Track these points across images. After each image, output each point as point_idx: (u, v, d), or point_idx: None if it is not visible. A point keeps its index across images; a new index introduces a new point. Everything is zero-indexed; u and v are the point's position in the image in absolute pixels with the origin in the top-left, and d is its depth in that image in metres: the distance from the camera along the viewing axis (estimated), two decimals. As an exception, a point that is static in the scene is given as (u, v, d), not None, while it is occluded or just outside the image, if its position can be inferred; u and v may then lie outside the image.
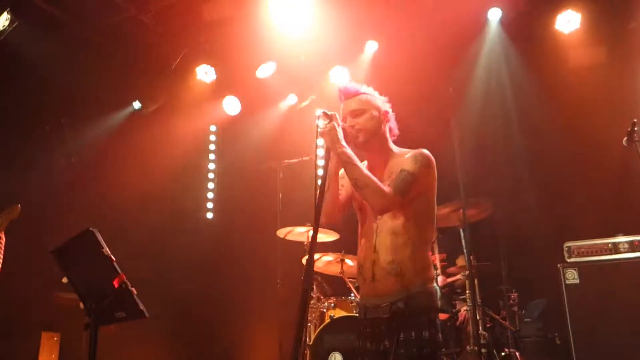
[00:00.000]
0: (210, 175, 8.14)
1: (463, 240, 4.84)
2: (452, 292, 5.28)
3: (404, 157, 2.71)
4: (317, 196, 2.45)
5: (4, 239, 3.82)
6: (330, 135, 2.59)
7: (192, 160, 7.85)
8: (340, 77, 6.79)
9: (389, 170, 2.74)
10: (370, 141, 2.76)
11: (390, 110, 2.87)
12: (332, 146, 2.59)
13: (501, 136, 6.24)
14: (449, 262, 5.50)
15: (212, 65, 7.16)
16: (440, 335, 2.60)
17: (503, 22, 6.24)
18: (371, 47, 6.64)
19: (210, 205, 8.05)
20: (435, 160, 2.71)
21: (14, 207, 3.57)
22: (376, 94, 2.90)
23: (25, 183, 6.06)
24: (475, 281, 4.76)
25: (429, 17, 5.99)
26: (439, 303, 2.71)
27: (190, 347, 7.19)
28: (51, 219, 6.28)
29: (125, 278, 2.79)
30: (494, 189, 5.78)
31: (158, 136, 7.25)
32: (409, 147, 2.80)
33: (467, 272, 4.73)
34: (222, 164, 8.16)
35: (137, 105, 7.53)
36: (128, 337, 6.04)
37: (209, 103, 7.54)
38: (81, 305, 3.04)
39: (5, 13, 5.86)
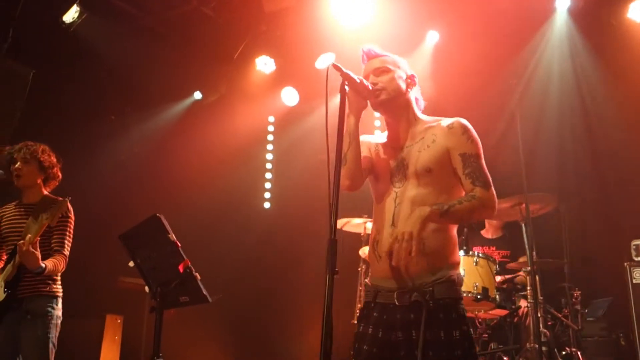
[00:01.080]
0: (268, 166, 8.23)
1: (525, 236, 4.72)
2: (512, 288, 5.16)
3: (440, 127, 2.46)
4: (335, 159, 2.18)
5: (73, 218, 3.91)
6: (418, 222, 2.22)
7: (250, 150, 7.95)
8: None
9: (415, 136, 2.51)
10: (392, 102, 2.52)
11: (416, 78, 2.65)
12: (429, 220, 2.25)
13: (567, 129, 6.03)
14: (511, 258, 5.38)
15: (271, 57, 7.22)
16: (471, 329, 2.32)
17: (572, 10, 6.01)
18: (432, 37, 6.53)
19: (267, 195, 8.14)
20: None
21: (63, 201, 3.62)
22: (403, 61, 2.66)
23: (92, 171, 6.29)
24: (537, 278, 4.64)
25: (493, 6, 5.84)
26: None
27: (243, 335, 7.31)
28: (116, 205, 6.49)
29: (189, 263, 2.85)
30: (558, 183, 5.62)
31: (218, 126, 7.38)
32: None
33: (529, 268, 4.61)
34: (279, 154, 8.22)
35: (198, 95, 7.69)
36: (184, 321, 6.19)
37: (268, 94, 7.61)
38: (146, 289, 3.10)
39: (75, 5, 6.08)
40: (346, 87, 2.37)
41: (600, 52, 6.03)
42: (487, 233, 5.72)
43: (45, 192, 3.96)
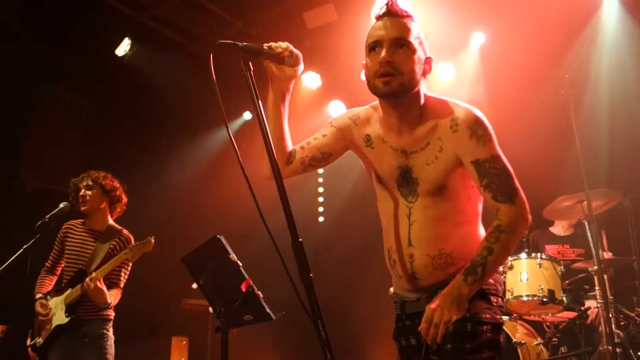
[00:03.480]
0: (320, 180, 8.26)
1: (589, 233, 4.57)
2: (579, 288, 4.99)
3: (445, 129, 2.06)
4: (266, 149, 1.87)
5: (130, 267, 4.03)
6: (452, 315, 1.94)
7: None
8: (446, 75, 6.66)
9: (420, 138, 2.10)
10: (403, 94, 2.03)
11: (433, 62, 2.15)
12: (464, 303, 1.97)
13: (627, 120, 5.80)
14: (587, 257, 5.21)
15: (317, 72, 7.28)
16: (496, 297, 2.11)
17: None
18: (478, 38, 6.45)
19: (321, 209, 8.17)
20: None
21: (148, 240, 3.74)
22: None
23: (149, 196, 6.45)
24: (605, 276, 4.47)
25: (537, 1, 5.73)
26: (501, 288, 2.18)
27: (306, 349, 7.32)
28: (174, 228, 6.64)
29: (251, 282, 2.88)
30: (622, 177, 5.42)
31: (269, 144, 7.46)
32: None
33: (595, 267, 4.45)
34: (330, 167, 8.23)
35: (247, 115, 7.82)
36: (248, 339, 6.26)
37: (316, 109, 7.66)
38: (210, 309, 3.16)
39: (126, 39, 6.32)
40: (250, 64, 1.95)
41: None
42: (559, 230, 5.55)
43: (111, 221, 4.11)
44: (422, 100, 2.13)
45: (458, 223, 2.13)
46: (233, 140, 1.91)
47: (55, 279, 4.10)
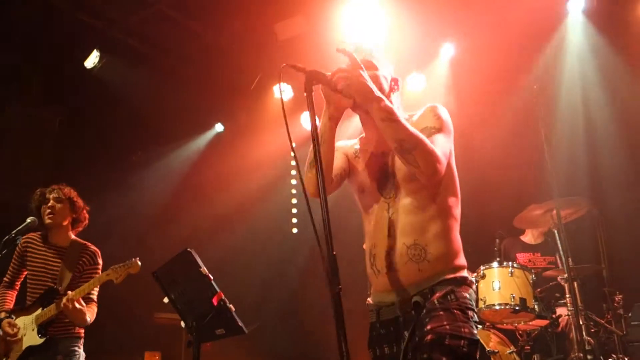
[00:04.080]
0: (293, 191, 8.25)
1: (559, 242, 4.64)
2: (550, 296, 5.05)
3: (417, 118, 2.34)
4: (317, 163, 2.01)
5: (101, 264, 3.96)
6: (357, 84, 2.14)
7: (275, 177, 7.99)
8: (417, 85, 6.73)
9: None
10: None
11: (400, 82, 2.48)
12: (363, 99, 2.15)
13: (595, 129, 5.93)
14: (556, 264, 5.29)
15: (288, 83, 7.27)
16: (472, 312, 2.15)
17: (587, 11, 5.94)
18: (447, 49, 6.54)
19: (295, 220, 8.15)
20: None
21: (134, 262, 3.65)
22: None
23: (121, 209, 6.37)
24: (575, 284, 4.53)
25: (505, 14, 5.83)
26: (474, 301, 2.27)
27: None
28: (146, 242, 6.56)
29: (223, 295, 2.85)
30: (590, 186, 5.52)
31: (242, 155, 7.44)
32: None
33: (565, 275, 4.51)
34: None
35: (219, 127, 7.79)
36: (220, 352, 6.19)
37: (288, 120, 7.65)
38: (182, 323, 3.11)
39: (95, 51, 6.25)
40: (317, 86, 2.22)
41: (623, 49, 5.92)
42: (529, 239, 5.62)
43: (73, 236, 4.02)
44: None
45: (433, 215, 2.23)
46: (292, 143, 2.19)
47: (15, 294, 3.98)
